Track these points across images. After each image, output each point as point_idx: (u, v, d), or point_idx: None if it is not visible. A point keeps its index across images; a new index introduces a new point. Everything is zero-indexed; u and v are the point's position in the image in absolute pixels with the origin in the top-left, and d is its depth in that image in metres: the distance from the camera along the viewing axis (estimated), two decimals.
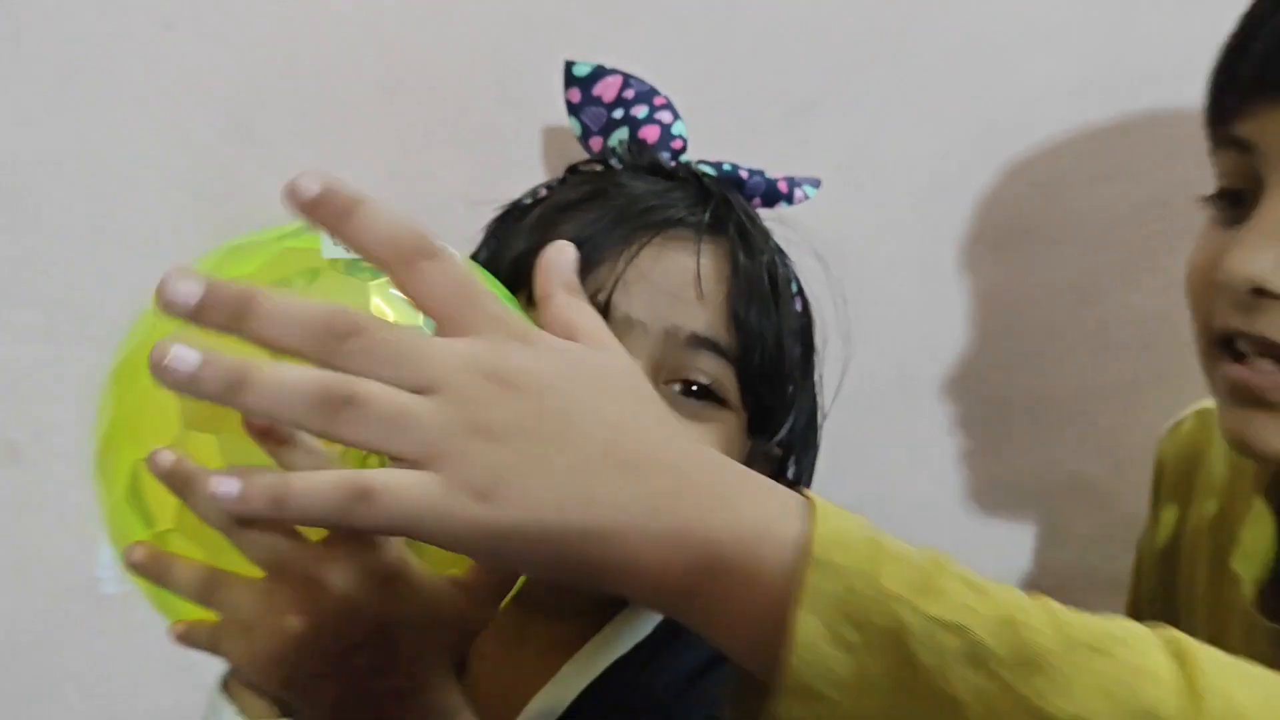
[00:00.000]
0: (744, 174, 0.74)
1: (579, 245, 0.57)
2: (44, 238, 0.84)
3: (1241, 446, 0.63)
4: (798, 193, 0.76)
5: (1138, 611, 0.82)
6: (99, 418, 0.54)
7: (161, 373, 0.35)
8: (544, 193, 0.75)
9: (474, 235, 0.77)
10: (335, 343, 0.37)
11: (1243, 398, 0.61)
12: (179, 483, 0.46)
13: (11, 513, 0.87)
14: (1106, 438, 0.94)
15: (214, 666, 0.70)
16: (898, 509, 0.84)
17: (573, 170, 0.77)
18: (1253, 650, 0.64)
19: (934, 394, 0.95)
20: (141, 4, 0.81)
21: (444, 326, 0.39)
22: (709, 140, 0.78)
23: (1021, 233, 0.90)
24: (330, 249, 0.51)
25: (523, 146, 0.86)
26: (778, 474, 0.75)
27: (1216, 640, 0.73)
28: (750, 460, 0.73)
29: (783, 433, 0.74)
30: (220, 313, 0.36)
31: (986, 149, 0.88)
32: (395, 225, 0.39)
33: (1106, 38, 0.89)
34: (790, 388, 0.73)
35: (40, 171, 0.82)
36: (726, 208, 0.70)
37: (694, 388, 0.67)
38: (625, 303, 0.65)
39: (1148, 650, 0.36)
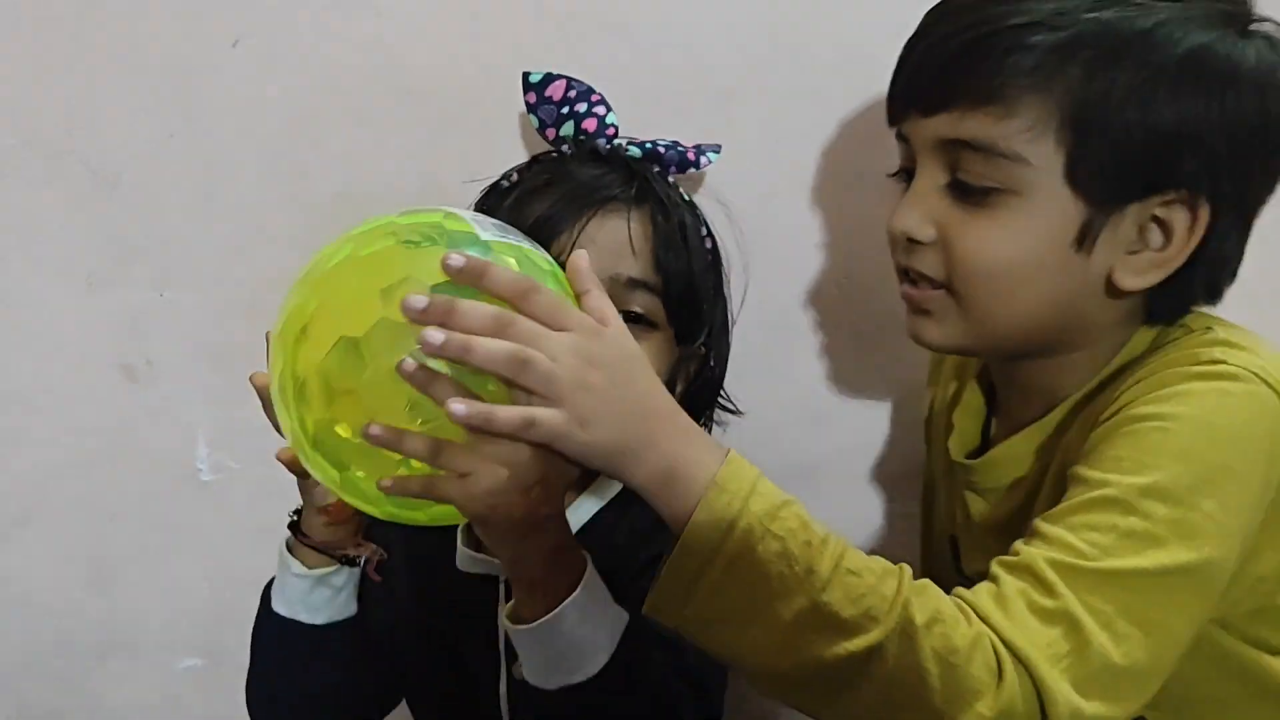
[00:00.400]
0: (662, 149, 0.96)
1: (545, 221, 0.89)
2: (157, 211, 1.09)
3: (917, 341, 0.86)
4: (703, 159, 0.98)
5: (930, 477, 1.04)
6: (292, 316, 0.70)
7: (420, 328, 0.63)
8: (515, 177, 0.96)
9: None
10: (521, 300, 0.64)
11: (913, 308, 0.84)
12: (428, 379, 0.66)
13: (132, 420, 1.14)
14: None
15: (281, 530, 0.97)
16: (787, 389, 1.12)
17: (535, 160, 0.97)
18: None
19: (814, 307, 1.11)
20: (212, 26, 1.04)
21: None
22: (649, 120, 0.98)
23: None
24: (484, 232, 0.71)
25: (507, 136, 1.06)
26: (702, 369, 0.99)
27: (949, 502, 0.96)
28: (680, 361, 0.96)
29: (702, 339, 0.96)
30: (468, 276, 0.64)
31: (869, 123, 1.02)
32: (510, 276, 0.64)
33: None
34: (704, 308, 0.95)
35: (153, 159, 1.08)
36: (647, 183, 0.93)
37: (633, 316, 0.89)
38: None
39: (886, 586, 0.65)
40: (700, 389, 1.00)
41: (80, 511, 1.17)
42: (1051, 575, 0.66)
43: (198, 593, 1.18)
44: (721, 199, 1.03)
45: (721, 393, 1.03)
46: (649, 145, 0.96)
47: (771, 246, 1.05)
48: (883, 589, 0.64)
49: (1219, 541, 0.69)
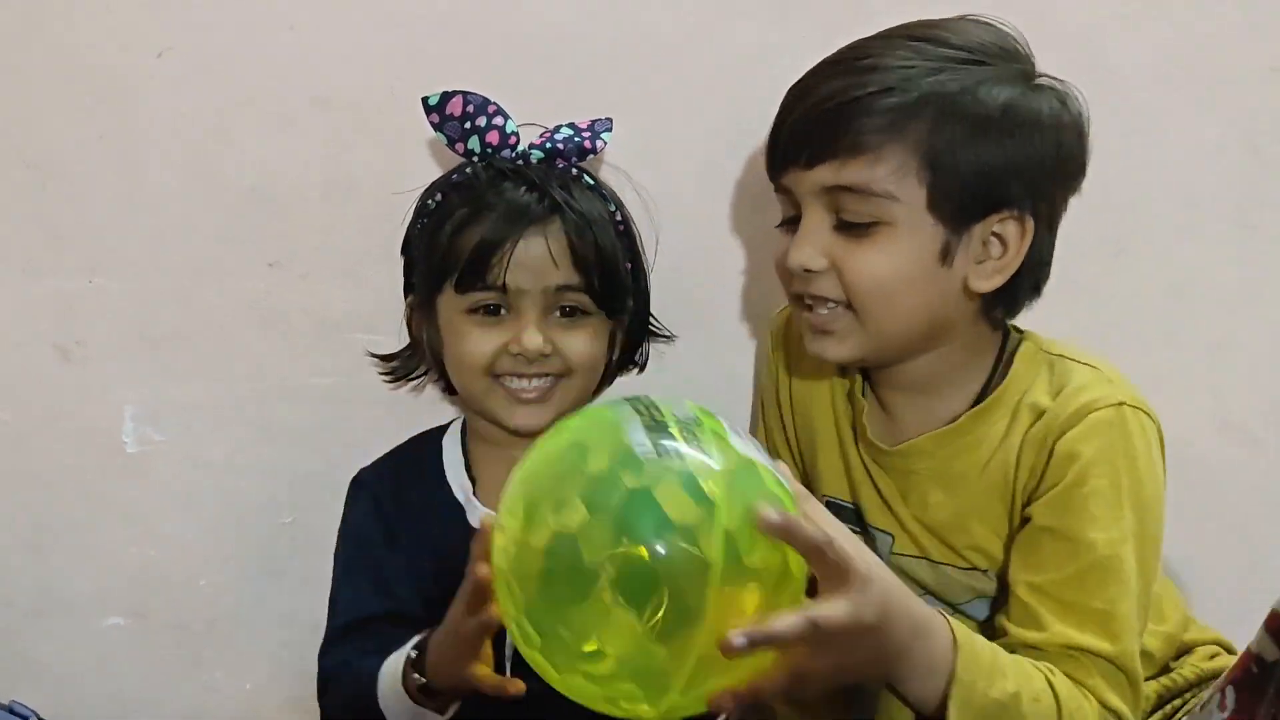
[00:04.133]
0: (561, 145, 1.06)
1: (483, 246, 1.00)
2: (87, 205, 1.15)
3: (826, 360, 0.99)
4: (599, 142, 1.08)
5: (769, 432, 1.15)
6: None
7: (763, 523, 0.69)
8: (440, 198, 1.05)
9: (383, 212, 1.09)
10: (818, 558, 0.71)
11: (816, 330, 0.97)
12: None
13: (64, 397, 1.20)
14: None
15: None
16: (696, 346, 1.21)
17: (452, 185, 1.05)
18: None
19: (720, 276, 1.21)
20: (140, 38, 1.12)
21: (826, 581, 0.73)
22: (547, 107, 1.08)
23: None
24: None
25: (412, 143, 1.14)
26: (631, 321, 1.11)
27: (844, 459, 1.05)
28: (615, 332, 1.09)
29: (629, 314, 1.10)
30: (779, 533, 0.69)
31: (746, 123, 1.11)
32: (809, 534, 0.70)
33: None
34: (622, 279, 1.07)
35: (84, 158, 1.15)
36: (554, 200, 1.02)
37: (567, 310, 1.04)
38: (514, 280, 1.01)
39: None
40: (634, 331, 1.13)
41: (16, 482, 1.21)
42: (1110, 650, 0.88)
43: (124, 556, 1.22)
44: (620, 166, 1.14)
45: (651, 321, 1.15)
46: (550, 143, 1.06)
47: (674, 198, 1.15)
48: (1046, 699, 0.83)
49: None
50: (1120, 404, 0.92)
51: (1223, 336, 1.23)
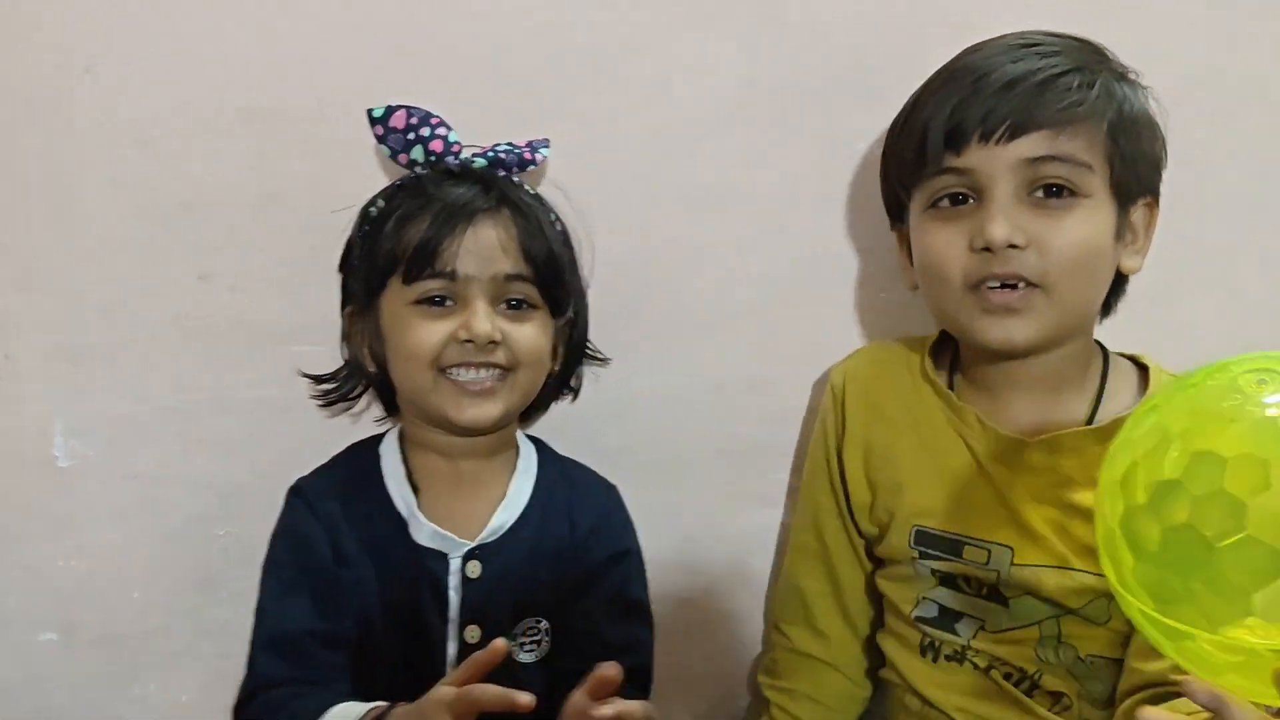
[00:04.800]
0: (503, 155, 1.09)
1: (428, 241, 1.01)
2: (17, 219, 1.15)
3: (1004, 345, 0.97)
4: (538, 155, 1.10)
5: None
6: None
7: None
8: (382, 204, 1.07)
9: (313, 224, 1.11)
10: None
11: (1002, 312, 0.95)
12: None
13: None
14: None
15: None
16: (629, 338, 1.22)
17: (399, 186, 1.08)
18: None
19: (647, 278, 1.22)
20: (67, 53, 1.12)
21: None
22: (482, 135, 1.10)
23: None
24: None
25: (345, 156, 1.14)
26: (572, 333, 1.13)
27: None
28: (558, 330, 1.11)
29: (570, 311, 1.12)
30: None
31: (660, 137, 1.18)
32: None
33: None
34: (567, 281, 1.10)
35: (14, 173, 1.14)
36: (501, 191, 1.05)
37: (515, 302, 1.05)
38: (463, 267, 1.02)
39: None
40: (572, 349, 1.15)
41: None
42: None
43: (54, 571, 1.21)
44: (558, 184, 1.16)
45: (588, 345, 1.18)
46: (491, 153, 1.09)
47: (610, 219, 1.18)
48: None
49: None
50: None
51: None
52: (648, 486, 1.22)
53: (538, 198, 1.10)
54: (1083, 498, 0.97)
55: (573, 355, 1.16)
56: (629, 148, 1.19)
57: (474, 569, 1.05)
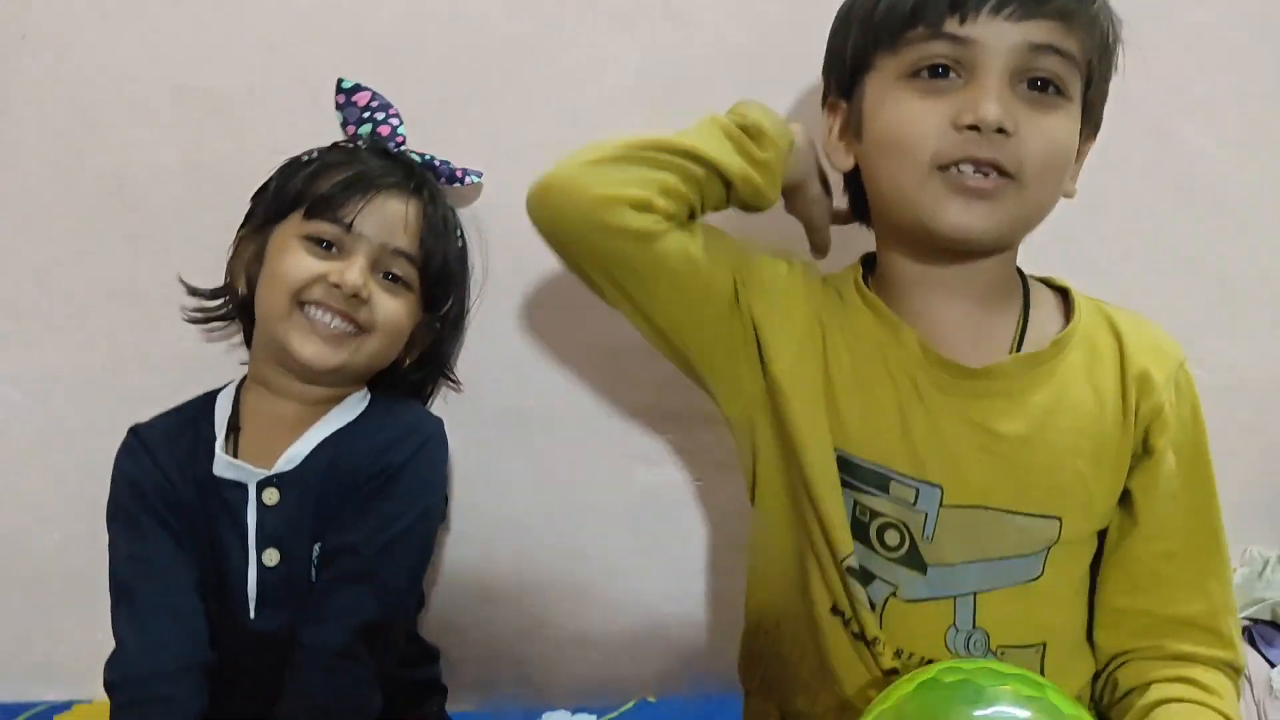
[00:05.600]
0: (436, 164, 1.17)
1: (339, 190, 1.06)
2: None
3: (959, 231, 0.89)
4: (468, 179, 1.19)
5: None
6: None
7: None
8: (315, 154, 1.12)
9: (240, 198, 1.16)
10: None
11: (973, 195, 0.88)
12: None
13: None
14: None
15: None
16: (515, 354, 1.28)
17: (335, 145, 1.15)
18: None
19: (536, 291, 1.27)
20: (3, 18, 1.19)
21: None
22: (425, 131, 1.18)
23: None
24: None
25: (272, 132, 1.20)
26: (437, 341, 1.18)
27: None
28: (419, 327, 1.15)
29: (444, 310, 1.17)
30: None
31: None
32: None
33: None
34: (451, 287, 1.16)
35: None
36: (423, 180, 1.13)
37: (392, 277, 1.10)
38: (360, 224, 1.07)
39: None
40: (432, 357, 1.20)
41: None
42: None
43: None
44: (476, 213, 1.23)
45: (449, 370, 1.24)
46: (427, 157, 1.17)
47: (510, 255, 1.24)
48: None
49: None
50: (1184, 358, 0.97)
51: None
52: (545, 444, 1.30)
53: (452, 210, 1.18)
54: (1010, 426, 0.93)
55: (431, 364, 1.21)
56: (533, 140, 1.22)
57: (271, 496, 1.08)
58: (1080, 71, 0.90)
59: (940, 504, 0.94)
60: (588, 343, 1.30)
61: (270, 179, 1.15)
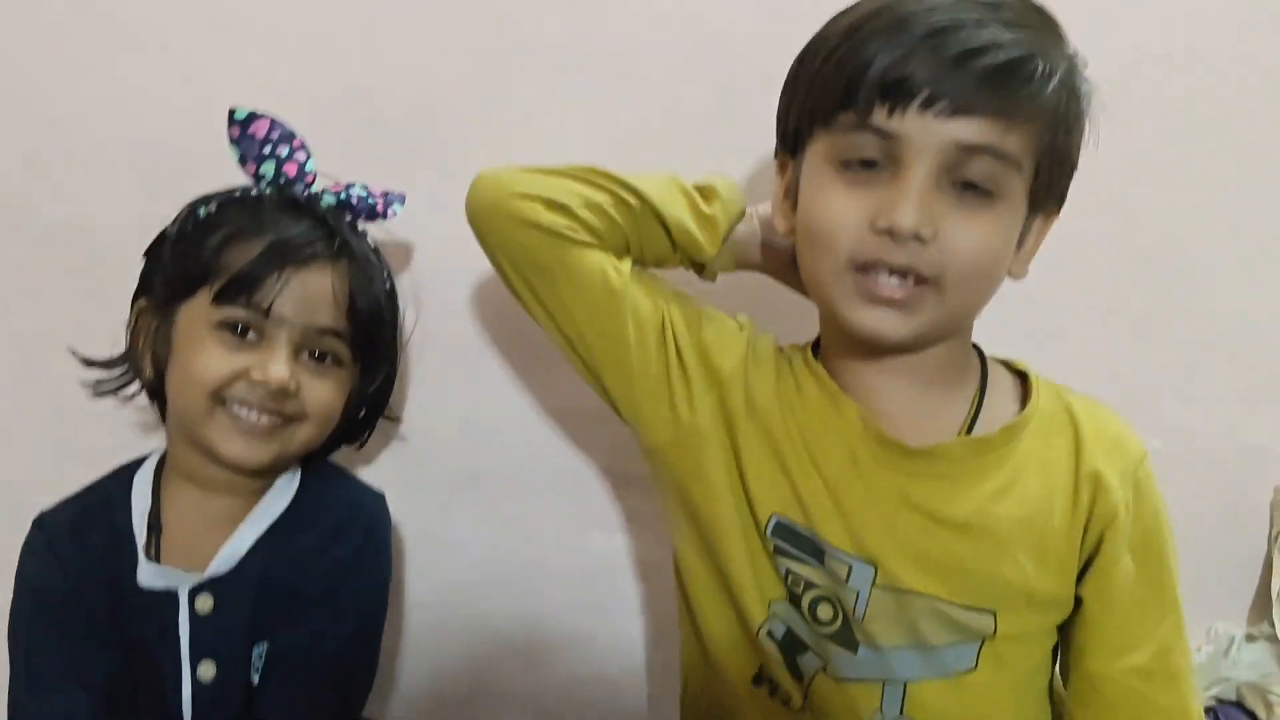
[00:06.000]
0: (354, 200, 1.04)
1: (253, 270, 0.95)
2: None
3: (874, 335, 0.86)
4: (390, 211, 1.07)
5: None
6: None
7: None
8: (214, 208, 1.00)
9: None
10: None
11: (883, 303, 0.84)
12: None
13: None
14: None
15: None
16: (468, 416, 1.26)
17: (235, 199, 1.01)
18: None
19: (491, 353, 1.26)
20: None
21: None
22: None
23: None
24: None
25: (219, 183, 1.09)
26: (377, 388, 1.10)
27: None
28: (354, 397, 1.06)
29: (379, 380, 1.09)
30: None
31: None
32: None
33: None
34: (384, 342, 1.07)
35: None
36: (344, 240, 1.01)
37: (320, 355, 1.01)
38: (280, 307, 0.97)
39: None
40: (371, 407, 1.13)
41: None
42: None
43: None
44: (401, 241, 1.20)
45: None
46: (343, 195, 1.04)
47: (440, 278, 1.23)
48: None
49: None
50: (1146, 454, 0.94)
51: None
52: (500, 508, 1.28)
53: (376, 252, 1.07)
54: (950, 511, 0.90)
55: (370, 413, 1.13)
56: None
57: (204, 603, 1.00)
58: (1022, 167, 0.84)
59: (873, 583, 0.91)
60: (542, 405, 1.29)
61: (165, 237, 1.04)
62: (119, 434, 1.23)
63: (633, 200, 0.95)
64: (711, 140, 1.19)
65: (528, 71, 1.23)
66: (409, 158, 1.21)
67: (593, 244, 0.95)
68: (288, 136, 1.04)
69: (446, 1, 1.21)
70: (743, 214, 1.00)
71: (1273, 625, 1.30)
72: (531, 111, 1.24)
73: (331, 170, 1.09)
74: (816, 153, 0.89)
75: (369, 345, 1.04)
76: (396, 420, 1.23)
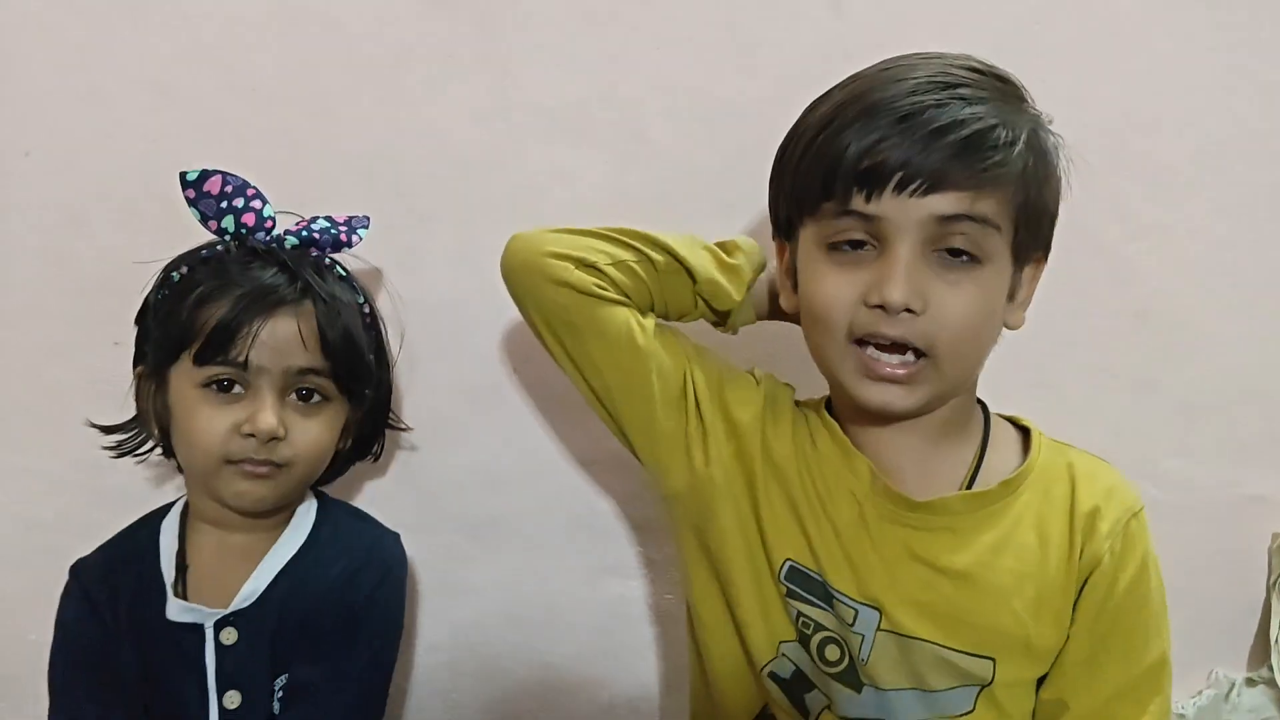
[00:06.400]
0: (317, 234, 1.06)
1: (225, 325, 0.99)
2: None
3: (881, 409, 0.90)
4: (355, 237, 1.09)
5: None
6: None
7: None
8: (185, 270, 1.04)
9: None
10: None
11: (885, 379, 0.89)
12: None
13: None
14: None
15: None
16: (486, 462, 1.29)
17: (201, 259, 1.05)
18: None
19: (507, 402, 1.30)
20: (9, 138, 1.24)
21: None
22: (395, 240, 1.20)
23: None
24: None
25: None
26: (372, 408, 1.12)
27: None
28: (350, 422, 1.10)
29: (368, 404, 1.12)
30: None
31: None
32: None
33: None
34: (367, 368, 1.09)
35: None
36: (305, 281, 1.03)
37: (305, 393, 1.05)
38: (256, 357, 1.00)
39: None
40: (371, 425, 1.16)
41: None
42: None
43: None
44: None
45: (390, 415, 1.19)
46: (305, 232, 1.07)
47: (463, 327, 1.27)
48: None
49: None
50: (1141, 508, 0.96)
51: None
52: (516, 552, 1.31)
53: (347, 279, 1.10)
54: (951, 562, 0.93)
55: (371, 431, 1.16)
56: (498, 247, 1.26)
57: (229, 636, 1.05)
58: (1001, 225, 0.88)
59: (877, 628, 0.95)
60: (559, 452, 1.32)
61: (146, 305, 1.09)
62: (146, 479, 1.26)
63: (658, 256, 1.00)
64: (721, 202, 1.23)
65: (543, 135, 1.27)
66: (431, 217, 1.26)
67: (621, 301, 1.00)
68: (241, 188, 1.06)
69: (466, 67, 1.26)
70: (764, 265, 1.04)
71: (1272, 669, 1.32)
72: (546, 173, 1.27)
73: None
74: (807, 238, 0.94)
75: (351, 375, 1.07)
76: (408, 429, 1.25)
